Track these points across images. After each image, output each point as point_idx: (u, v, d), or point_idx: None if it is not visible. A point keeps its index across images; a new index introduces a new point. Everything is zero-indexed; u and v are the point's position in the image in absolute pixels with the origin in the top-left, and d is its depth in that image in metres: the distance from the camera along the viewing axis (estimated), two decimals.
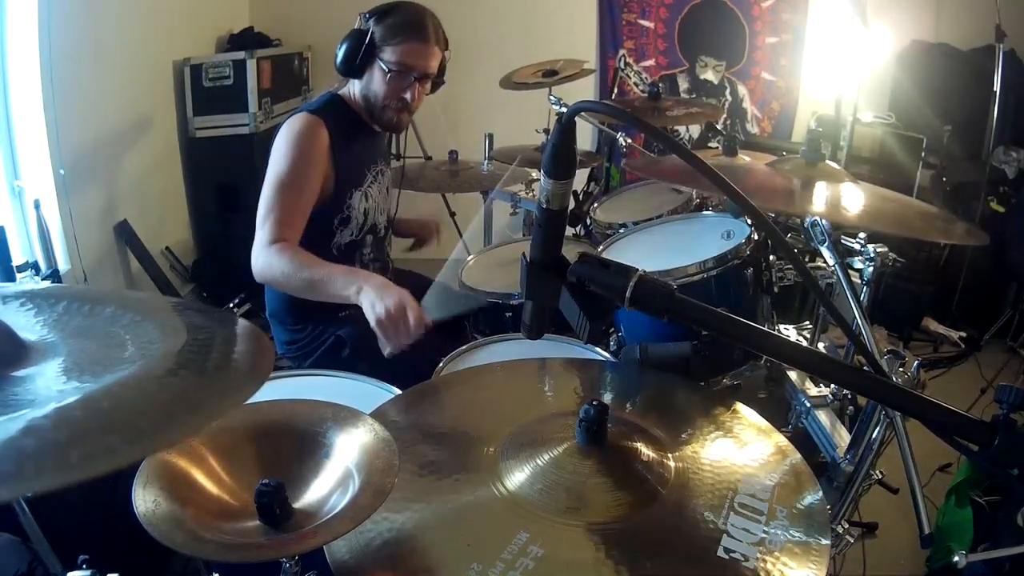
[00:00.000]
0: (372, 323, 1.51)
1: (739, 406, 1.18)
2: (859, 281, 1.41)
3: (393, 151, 3.79)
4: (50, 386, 0.60)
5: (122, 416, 0.57)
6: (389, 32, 1.77)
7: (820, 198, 1.20)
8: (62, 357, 0.65)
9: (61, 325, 0.71)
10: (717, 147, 2.49)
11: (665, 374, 1.36)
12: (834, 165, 1.31)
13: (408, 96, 1.82)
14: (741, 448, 1.07)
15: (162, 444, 0.60)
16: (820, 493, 0.97)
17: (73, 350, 0.66)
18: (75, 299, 0.76)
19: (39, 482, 0.52)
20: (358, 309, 2.00)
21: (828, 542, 0.88)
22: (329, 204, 1.84)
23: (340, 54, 1.82)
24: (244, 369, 0.69)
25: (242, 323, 0.76)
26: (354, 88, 1.88)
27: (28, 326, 0.70)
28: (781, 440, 1.10)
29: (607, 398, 1.25)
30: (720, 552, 0.86)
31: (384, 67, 1.79)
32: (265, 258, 1.66)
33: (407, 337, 1.50)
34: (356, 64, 1.80)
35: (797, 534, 0.89)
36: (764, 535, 0.89)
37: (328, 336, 1.92)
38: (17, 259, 2.41)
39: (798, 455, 1.06)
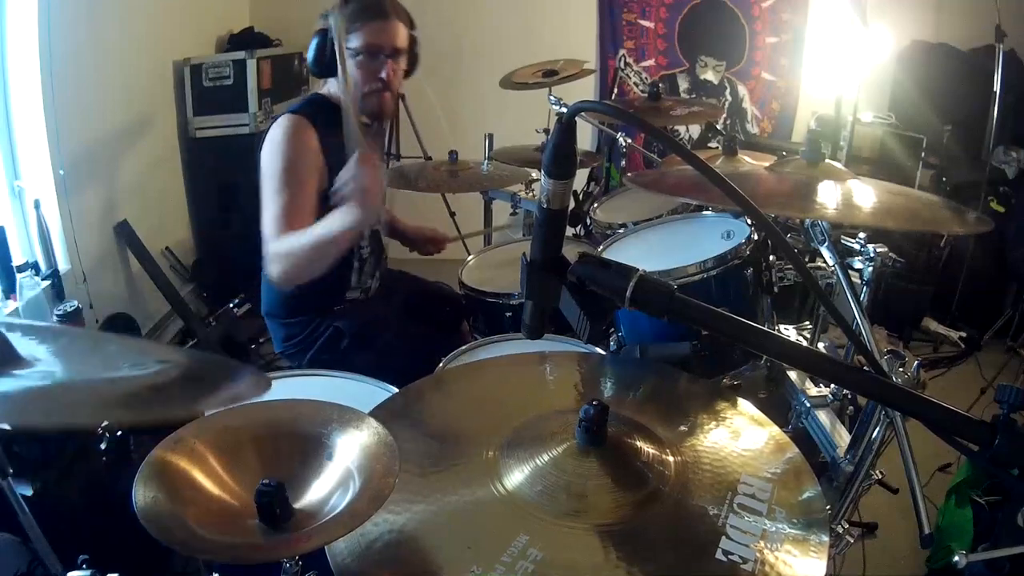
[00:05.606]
0: (356, 206, 1.52)
1: (739, 400, 1.18)
2: (859, 281, 1.40)
3: (392, 151, 3.83)
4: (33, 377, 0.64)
5: (78, 395, 0.67)
6: (349, 20, 1.79)
7: (829, 199, 1.19)
8: (57, 369, 0.66)
9: (64, 351, 0.73)
10: (717, 147, 2.50)
11: (665, 365, 1.36)
12: (836, 164, 1.31)
13: (384, 75, 1.83)
14: (740, 444, 1.07)
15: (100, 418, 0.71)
16: (818, 488, 0.97)
17: (69, 363, 0.68)
18: (90, 338, 0.81)
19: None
20: (352, 303, 2.02)
21: (826, 538, 0.88)
22: (324, 199, 1.83)
23: (310, 56, 1.83)
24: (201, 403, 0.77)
25: (238, 378, 0.79)
26: (331, 87, 1.89)
27: (31, 347, 0.72)
28: (779, 434, 1.10)
29: (607, 390, 1.25)
30: (719, 555, 0.85)
31: (354, 54, 1.80)
32: (279, 255, 1.64)
33: (375, 184, 1.54)
34: (327, 61, 1.80)
35: (796, 530, 0.89)
36: (763, 534, 0.89)
37: (325, 328, 1.92)
38: (17, 259, 2.41)
39: (796, 449, 1.06)
